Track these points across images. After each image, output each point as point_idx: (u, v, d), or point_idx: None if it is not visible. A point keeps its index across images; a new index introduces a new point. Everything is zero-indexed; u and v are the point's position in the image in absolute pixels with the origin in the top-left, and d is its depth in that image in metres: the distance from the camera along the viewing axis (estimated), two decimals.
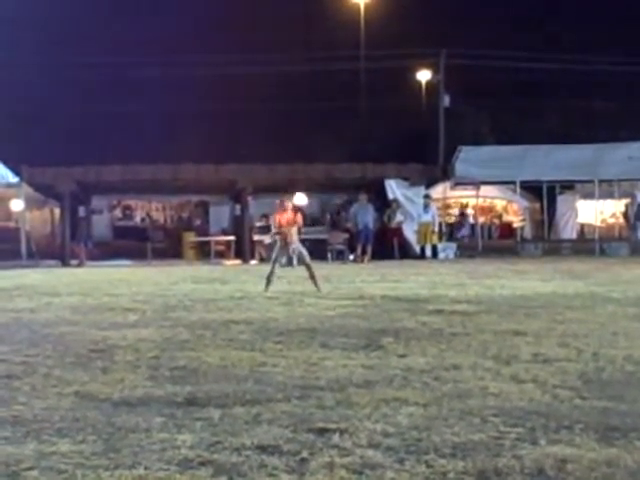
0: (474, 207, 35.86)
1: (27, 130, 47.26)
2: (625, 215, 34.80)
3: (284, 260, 15.43)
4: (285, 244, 15.35)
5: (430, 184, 32.39)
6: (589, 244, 32.16)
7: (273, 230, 15.80)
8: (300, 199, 22.94)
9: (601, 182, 32.60)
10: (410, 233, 30.17)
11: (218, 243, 32.35)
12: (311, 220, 33.01)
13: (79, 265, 28.57)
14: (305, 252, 15.52)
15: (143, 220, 38.00)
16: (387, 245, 29.52)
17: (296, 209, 16.31)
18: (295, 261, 15.48)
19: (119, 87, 50.39)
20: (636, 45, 45.67)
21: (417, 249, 29.90)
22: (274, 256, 15.44)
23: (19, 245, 29.85)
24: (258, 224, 31.80)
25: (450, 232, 35.09)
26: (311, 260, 15.57)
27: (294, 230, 15.47)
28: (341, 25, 52.62)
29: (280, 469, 4.40)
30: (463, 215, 37.01)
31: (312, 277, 15.28)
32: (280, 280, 18.26)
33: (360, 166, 32.22)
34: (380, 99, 49.87)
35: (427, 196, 30.32)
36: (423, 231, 29.57)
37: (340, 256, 29.33)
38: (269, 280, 15.20)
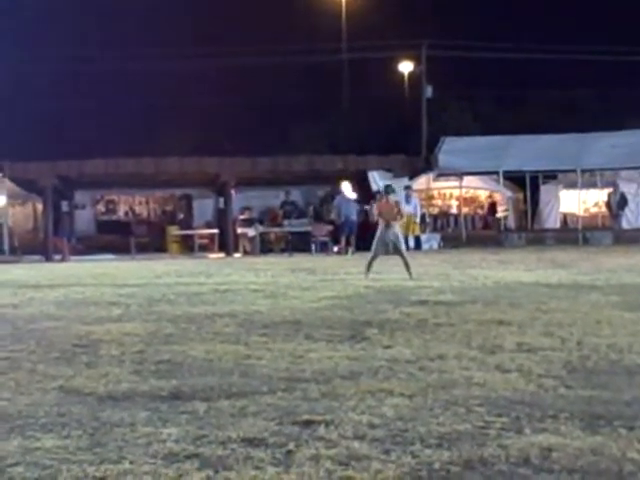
0: (458, 198, 35.92)
1: (8, 125, 47.02)
2: (608, 204, 34.91)
3: (384, 248, 16.43)
4: (385, 231, 16.32)
5: (413, 175, 32.42)
6: (572, 233, 32.26)
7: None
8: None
9: (584, 172, 32.72)
10: None
11: (202, 236, 32.31)
12: (298, 212, 33.08)
13: (62, 260, 28.49)
14: (401, 240, 16.60)
15: (126, 214, 37.89)
16: (371, 237, 29.52)
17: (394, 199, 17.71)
18: (391, 248, 16.34)
19: (102, 80, 50.24)
20: (618, 34, 45.84)
21: None
22: (374, 244, 16.56)
23: (1, 240, 29.79)
24: (241, 217, 31.78)
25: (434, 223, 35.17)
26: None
27: (393, 218, 16.51)
28: (323, 17, 52.58)
29: (266, 462, 4.40)
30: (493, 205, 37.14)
31: (405, 265, 15.97)
32: (265, 272, 18.27)
33: (342, 158, 32.25)
34: (363, 91, 49.92)
35: (408, 187, 30.34)
36: (405, 222, 29.58)
37: (324, 248, 29.34)
38: (369, 265, 16.29)
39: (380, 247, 16.31)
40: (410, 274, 15.69)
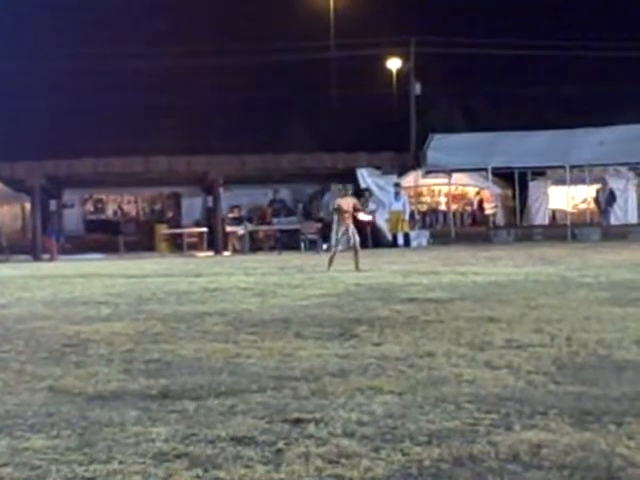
0: (446, 195, 35.96)
1: None
2: (596, 200, 34.99)
3: (344, 243, 18.08)
4: (339, 225, 17.78)
5: (402, 172, 32.44)
6: (561, 230, 32.33)
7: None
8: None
9: (572, 168, 32.77)
10: (382, 221, 30.23)
11: (191, 235, 32.28)
12: (286, 210, 33.10)
13: (51, 259, 28.42)
14: (355, 234, 17.86)
15: (115, 213, 37.82)
16: (360, 234, 29.53)
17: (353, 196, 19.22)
18: (346, 241, 17.96)
19: (91, 79, 50.05)
20: (605, 31, 45.92)
21: (389, 237, 29.98)
22: (332, 240, 18.22)
23: None
24: (230, 215, 31.76)
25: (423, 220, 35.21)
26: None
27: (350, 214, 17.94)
28: (311, 15, 52.53)
29: (256, 460, 4.39)
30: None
31: (355, 253, 17.45)
32: (254, 271, 18.26)
33: (331, 155, 32.23)
34: (351, 88, 49.84)
35: (397, 184, 30.39)
36: (394, 219, 29.63)
37: (313, 246, 29.33)
38: (330, 262, 17.53)
39: (338, 242, 17.80)
40: (357, 267, 17.09)
